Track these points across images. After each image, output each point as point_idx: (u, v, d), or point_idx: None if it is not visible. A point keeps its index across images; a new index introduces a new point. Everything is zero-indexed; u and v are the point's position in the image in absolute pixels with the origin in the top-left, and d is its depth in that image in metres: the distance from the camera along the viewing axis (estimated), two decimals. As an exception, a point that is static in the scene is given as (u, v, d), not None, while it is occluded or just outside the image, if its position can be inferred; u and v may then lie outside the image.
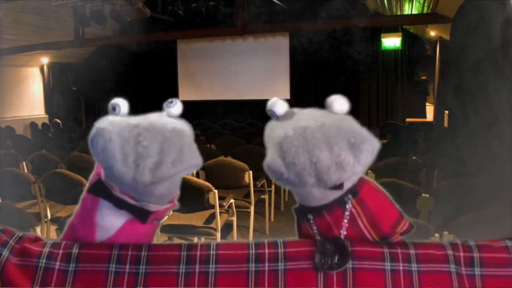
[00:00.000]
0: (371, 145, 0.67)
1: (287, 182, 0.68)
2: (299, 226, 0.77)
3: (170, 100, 0.71)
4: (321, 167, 0.65)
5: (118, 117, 0.70)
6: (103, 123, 0.68)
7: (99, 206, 0.70)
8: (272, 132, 0.71)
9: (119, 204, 0.69)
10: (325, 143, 0.66)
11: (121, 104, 0.71)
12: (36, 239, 0.74)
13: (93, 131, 0.68)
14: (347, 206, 0.70)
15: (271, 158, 0.68)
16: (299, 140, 0.67)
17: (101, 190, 0.70)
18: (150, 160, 0.65)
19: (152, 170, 0.65)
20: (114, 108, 0.70)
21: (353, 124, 0.69)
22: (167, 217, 3.34)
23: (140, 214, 0.70)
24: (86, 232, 0.71)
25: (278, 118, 0.72)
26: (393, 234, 0.71)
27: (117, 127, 0.67)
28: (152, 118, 0.69)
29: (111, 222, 0.70)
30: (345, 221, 0.70)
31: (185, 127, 0.70)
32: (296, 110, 0.74)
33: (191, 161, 0.68)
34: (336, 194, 0.70)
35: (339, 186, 0.67)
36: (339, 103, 0.71)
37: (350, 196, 0.70)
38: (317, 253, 0.68)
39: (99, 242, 0.71)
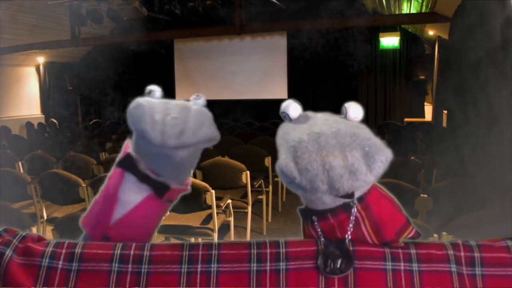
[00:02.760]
0: (384, 155, 0.67)
1: (298, 187, 0.68)
2: (303, 227, 0.78)
3: (196, 94, 0.79)
4: (334, 175, 0.65)
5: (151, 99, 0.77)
6: (140, 100, 0.76)
7: (124, 181, 0.74)
8: (286, 135, 0.72)
9: (143, 178, 0.74)
10: (339, 150, 0.66)
11: (156, 90, 0.81)
12: (39, 239, 0.75)
13: (131, 105, 0.75)
14: (352, 211, 0.70)
15: (284, 161, 0.68)
16: (313, 146, 0.67)
17: (129, 164, 0.75)
18: (176, 128, 0.70)
19: (177, 136, 0.70)
20: (149, 93, 0.80)
21: (367, 133, 0.69)
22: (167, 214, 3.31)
23: (159, 189, 0.75)
24: (106, 206, 0.74)
25: (291, 120, 0.74)
26: (396, 241, 0.71)
27: (151, 103, 0.74)
28: (180, 101, 0.78)
29: (131, 196, 0.74)
30: (350, 225, 0.70)
31: (206, 111, 0.77)
32: (310, 113, 0.75)
33: (210, 133, 0.75)
34: (341, 201, 0.69)
35: (350, 195, 0.67)
36: (354, 110, 0.71)
37: (356, 201, 0.69)
38: (320, 255, 0.69)
39: (116, 218, 0.74)
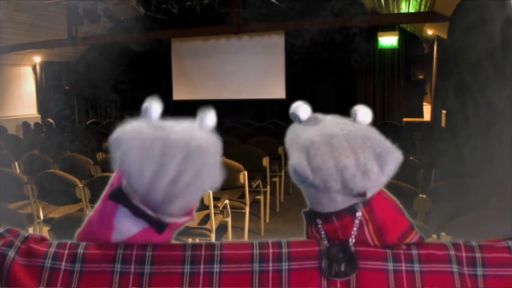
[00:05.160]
0: (395, 156, 0.70)
1: (311, 186, 0.69)
2: (307, 230, 0.79)
3: (205, 110, 0.73)
4: (347, 175, 0.67)
5: (146, 123, 0.70)
6: (126, 130, 0.69)
7: (118, 211, 0.71)
8: (296, 136, 0.73)
9: (137, 213, 0.70)
10: (352, 151, 0.68)
11: (154, 108, 0.71)
12: (42, 239, 0.75)
13: (113, 137, 0.69)
14: (357, 214, 0.70)
15: (297, 161, 0.69)
16: (325, 147, 0.68)
17: (121, 197, 0.70)
18: (165, 179, 0.65)
19: (165, 189, 0.66)
20: (146, 112, 0.71)
21: (378, 135, 0.72)
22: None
23: (157, 225, 0.71)
24: (103, 232, 0.72)
25: (301, 122, 0.75)
26: (398, 245, 0.71)
27: (139, 138, 0.67)
28: (181, 130, 0.69)
29: (128, 227, 0.71)
30: (355, 229, 0.71)
31: (211, 144, 0.70)
32: (319, 115, 0.76)
33: (207, 183, 0.69)
34: (352, 201, 0.70)
35: (363, 194, 0.69)
36: (363, 113, 0.74)
37: (360, 204, 0.70)
38: (324, 259, 0.69)
39: (115, 241, 0.73)
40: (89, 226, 0.75)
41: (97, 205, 0.75)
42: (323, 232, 0.73)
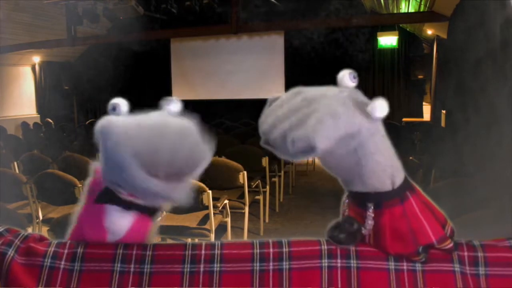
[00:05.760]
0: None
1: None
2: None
3: (167, 98, 0.71)
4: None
5: (120, 117, 0.68)
6: (107, 124, 0.66)
7: (107, 212, 0.70)
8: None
9: (128, 206, 0.70)
10: None
11: (121, 103, 0.69)
12: (41, 238, 0.75)
13: (98, 132, 0.66)
14: (368, 213, 0.69)
15: None
16: None
17: (109, 197, 0.70)
18: (162, 168, 0.64)
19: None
20: (114, 108, 0.69)
21: None
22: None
23: (150, 211, 0.72)
24: (97, 237, 0.72)
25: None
26: (400, 255, 0.70)
27: (123, 127, 0.65)
28: (155, 117, 0.68)
29: (120, 224, 0.71)
30: (369, 222, 0.70)
31: (190, 124, 0.69)
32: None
33: (201, 159, 0.68)
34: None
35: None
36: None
37: (371, 205, 0.69)
38: (336, 223, 0.71)
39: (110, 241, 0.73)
40: (78, 237, 0.74)
41: (78, 216, 0.74)
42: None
